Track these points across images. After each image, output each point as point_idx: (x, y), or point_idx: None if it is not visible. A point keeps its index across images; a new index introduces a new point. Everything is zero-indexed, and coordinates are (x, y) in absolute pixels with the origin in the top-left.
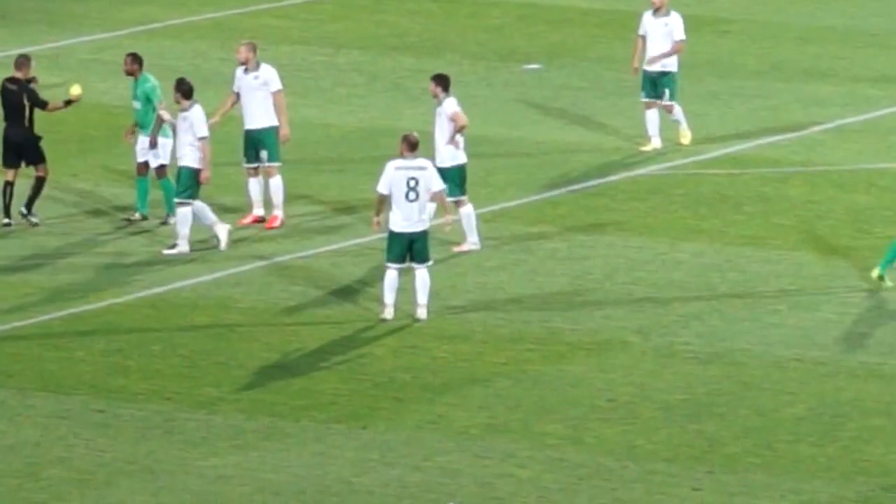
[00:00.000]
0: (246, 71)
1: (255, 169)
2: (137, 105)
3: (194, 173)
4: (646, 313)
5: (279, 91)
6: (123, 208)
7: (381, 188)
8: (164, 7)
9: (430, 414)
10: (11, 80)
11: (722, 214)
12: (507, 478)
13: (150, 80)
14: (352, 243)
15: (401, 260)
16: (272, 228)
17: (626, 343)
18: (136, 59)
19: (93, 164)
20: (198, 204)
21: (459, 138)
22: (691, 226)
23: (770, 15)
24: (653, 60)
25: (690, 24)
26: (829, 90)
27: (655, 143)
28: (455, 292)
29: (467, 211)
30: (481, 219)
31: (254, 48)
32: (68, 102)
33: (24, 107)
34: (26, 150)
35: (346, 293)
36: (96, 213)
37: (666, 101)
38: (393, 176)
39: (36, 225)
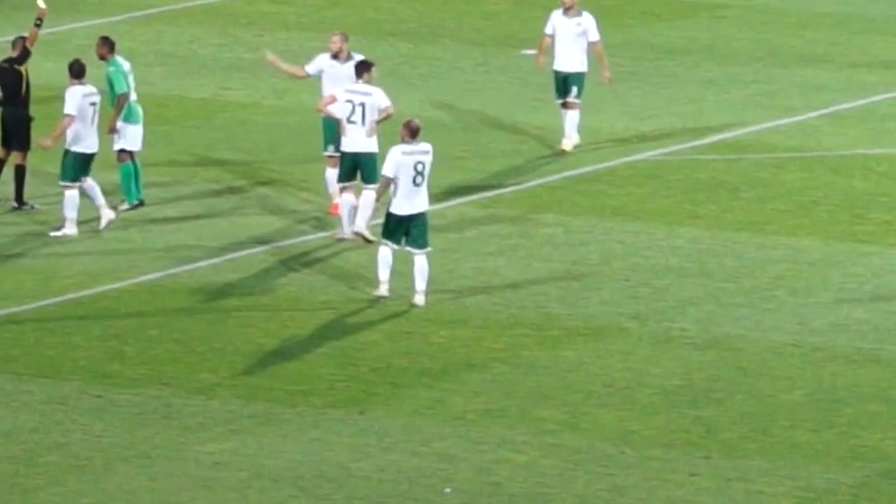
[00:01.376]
0: (337, 59)
1: (337, 158)
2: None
3: (81, 157)
4: (643, 299)
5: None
6: (118, 193)
7: (389, 171)
8: None
9: (427, 399)
10: (7, 60)
11: (719, 200)
12: (504, 463)
13: (117, 63)
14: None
15: (397, 241)
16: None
17: (622, 328)
18: (105, 41)
19: None
20: (89, 182)
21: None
22: (688, 211)
23: (767, 0)
24: (604, 79)
25: (687, 9)
26: (826, 76)
27: (573, 140)
28: (452, 277)
29: (351, 201)
30: (478, 204)
31: (346, 38)
32: (38, 23)
33: (20, 87)
34: (17, 132)
35: (343, 279)
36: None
37: (572, 98)
38: (401, 160)
39: (35, 209)
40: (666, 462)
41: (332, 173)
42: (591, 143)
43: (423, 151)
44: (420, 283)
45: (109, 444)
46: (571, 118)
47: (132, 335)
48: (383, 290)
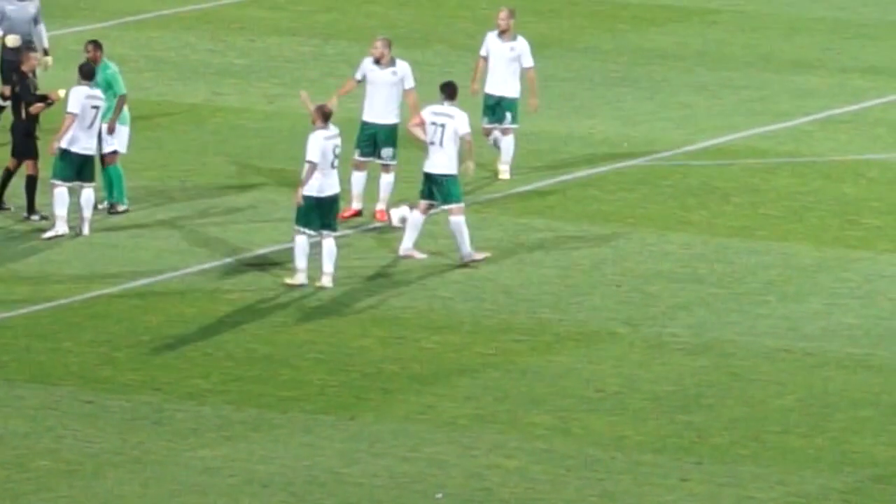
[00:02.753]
0: (379, 64)
1: (364, 163)
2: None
3: (75, 157)
4: (634, 304)
5: (412, 88)
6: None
7: (314, 157)
8: None
9: (418, 405)
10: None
11: (710, 205)
12: (495, 468)
13: (111, 66)
14: (340, 234)
15: (315, 227)
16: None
17: (614, 334)
18: (97, 45)
19: None
20: (86, 194)
21: None
22: (679, 217)
23: (759, 5)
24: (530, 105)
25: (679, 14)
26: (817, 81)
27: (503, 170)
28: (443, 283)
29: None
30: (469, 209)
31: (389, 44)
32: (50, 104)
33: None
34: (22, 140)
35: (333, 284)
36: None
37: (507, 125)
38: (324, 145)
39: (45, 218)
40: (657, 467)
41: (358, 177)
42: (583, 149)
43: (336, 135)
44: (328, 266)
45: (101, 449)
46: (507, 145)
47: (123, 341)
48: (300, 278)
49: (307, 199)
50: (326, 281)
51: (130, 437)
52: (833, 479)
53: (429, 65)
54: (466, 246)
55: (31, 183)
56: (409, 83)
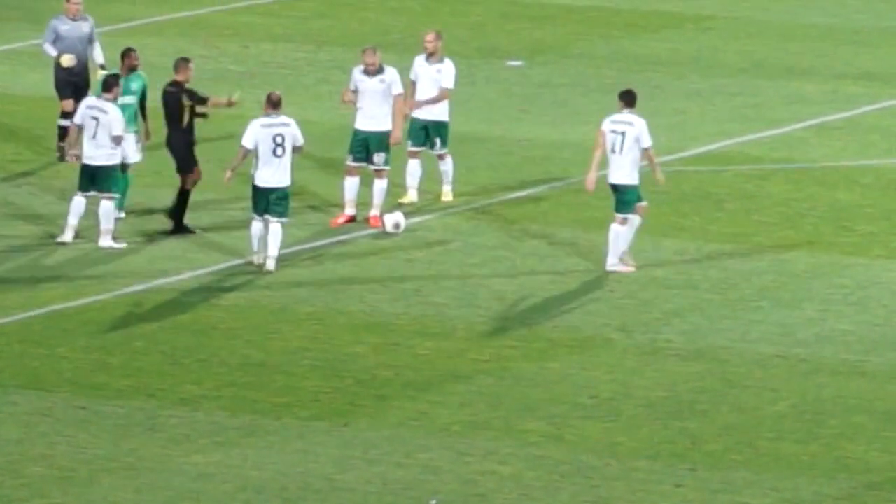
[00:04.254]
0: (368, 73)
1: (357, 168)
2: (131, 100)
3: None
4: (628, 310)
5: (400, 94)
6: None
7: (247, 143)
8: (146, 4)
9: (411, 411)
10: (172, 83)
11: (704, 212)
12: (489, 475)
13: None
14: (334, 240)
15: (260, 213)
16: (377, 228)
17: (608, 340)
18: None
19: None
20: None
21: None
22: (673, 223)
23: (752, 12)
24: (417, 105)
25: (672, 20)
26: (811, 87)
27: (412, 195)
28: (437, 289)
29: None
30: (463, 216)
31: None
32: (230, 104)
33: (183, 110)
34: (181, 156)
35: (327, 290)
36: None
37: (438, 151)
38: (258, 132)
39: (194, 233)
40: (651, 474)
41: (350, 182)
42: (577, 155)
43: (282, 124)
44: (272, 249)
45: (94, 455)
46: (447, 167)
47: (117, 347)
48: (258, 258)
49: (254, 188)
50: (270, 264)
51: (124, 444)
52: (827, 485)
53: None
54: (616, 255)
55: (185, 197)
56: (397, 89)
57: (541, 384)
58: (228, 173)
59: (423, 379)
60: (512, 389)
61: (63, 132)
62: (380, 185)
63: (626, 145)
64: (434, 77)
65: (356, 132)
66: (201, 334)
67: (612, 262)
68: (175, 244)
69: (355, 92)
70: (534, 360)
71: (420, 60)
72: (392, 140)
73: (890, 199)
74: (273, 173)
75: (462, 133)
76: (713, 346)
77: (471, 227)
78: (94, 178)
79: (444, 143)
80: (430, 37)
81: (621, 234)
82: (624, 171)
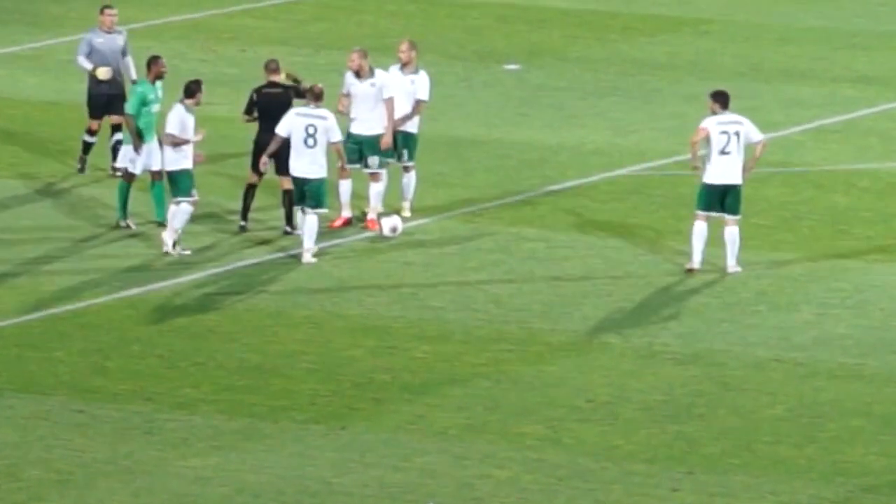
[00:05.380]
0: (359, 77)
1: (349, 171)
2: (159, 108)
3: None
4: (625, 314)
5: (390, 98)
6: (102, 210)
7: (280, 130)
8: (143, 8)
9: (409, 414)
10: (270, 84)
11: None
12: (487, 478)
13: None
14: (331, 244)
15: (297, 203)
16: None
17: (605, 344)
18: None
19: (72, 165)
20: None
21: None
22: (671, 226)
23: (750, 15)
24: (399, 124)
25: (670, 24)
26: (808, 91)
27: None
28: (434, 293)
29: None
30: (461, 219)
31: (365, 55)
32: (297, 84)
33: (285, 110)
34: (280, 158)
35: (324, 294)
36: (74, 214)
37: (406, 162)
38: (293, 121)
39: (290, 233)
40: (648, 477)
41: (344, 185)
42: (574, 158)
43: (318, 116)
44: (308, 242)
45: (91, 459)
46: (408, 181)
47: (114, 350)
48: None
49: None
50: (307, 258)
51: (121, 447)
52: (824, 488)
53: None
54: (735, 256)
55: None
56: (387, 93)
57: (538, 388)
58: (264, 158)
59: (421, 382)
60: (509, 393)
61: (87, 147)
62: (376, 189)
63: (741, 145)
64: (408, 88)
65: (349, 136)
66: (198, 338)
67: (732, 264)
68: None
69: (348, 96)
70: (531, 363)
71: (394, 70)
72: (382, 144)
73: (887, 202)
74: (305, 163)
75: (459, 137)
76: (710, 349)
77: (468, 231)
78: (171, 184)
79: (411, 156)
80: (404, 46)
81: (736, 234)
82: (738, 171)
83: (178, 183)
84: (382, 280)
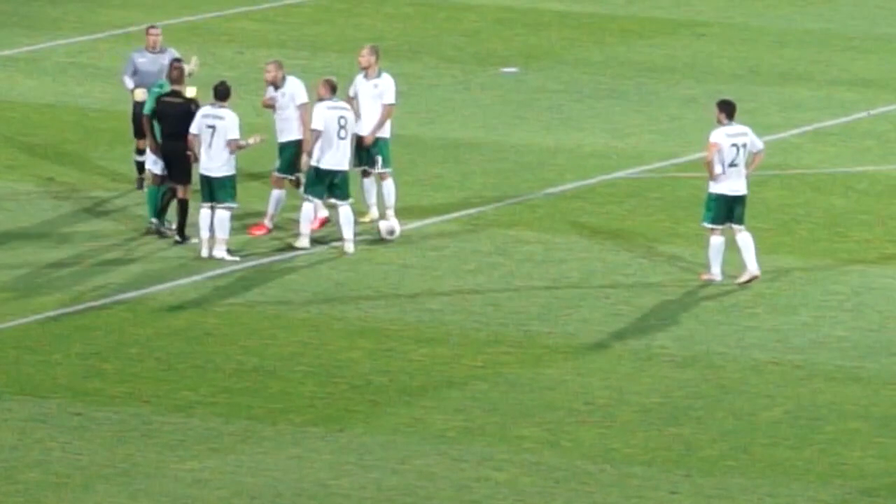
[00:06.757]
0: (366, 76)
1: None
2: None
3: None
4: (623, 317)
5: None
6: (99, 212)
7: (318, 125)
8: (141, 10)
9: (406, 417)
10: (173, 92)
11: (698, 218)
12: (484, 481)
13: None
14: (328, 247)
15: (320, 195)
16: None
17: (602, 346)
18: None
19: (69, 167)
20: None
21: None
22: (668, 229)
23: (747, 18)
24: (372, 133)
25: (667, 26)
26: (805, 94)
27: (374, 212)
28: (432, 295)
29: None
30: (458, 222)
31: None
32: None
33: (185, 120)
34: (175, 164)
35: (322, 296)
36: (72, 216)
37: (379, 169)
38: (327, 115)
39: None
40: (646, 480)
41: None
42: (572, 161)
43: (343, 108)
44: (348, 232)
45: (89, 462)
46: (388, 190)
47: (112, 353)
48: (305, 242)
49: (316, 170)
50: (349, 247)
51: (119, 450)
52: (822, 491)
53: (417, 77)
54: (755, 260)
55: (184, 206)
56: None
57: (536, 390)
58: (305, 157)
59: (418, 385)
60: (507, 395)
61: (140, 166)
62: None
63: (746, 157)
64: (372, 93)
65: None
66: (196, 340)
67: (755, 267)
68: (170, 251)
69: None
70: (529, 365)
71: (359, 77)
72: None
73: (885, 205)
74: (337, 156)
75: (457, 139)
76: (708, 351)
77: (466, 234)
78: (211, 190)
79: (385, 162)
80: (364, 51)
81: (750, 237)
82: (744, 182)
83: (226, 188)
84: (380, 283)
